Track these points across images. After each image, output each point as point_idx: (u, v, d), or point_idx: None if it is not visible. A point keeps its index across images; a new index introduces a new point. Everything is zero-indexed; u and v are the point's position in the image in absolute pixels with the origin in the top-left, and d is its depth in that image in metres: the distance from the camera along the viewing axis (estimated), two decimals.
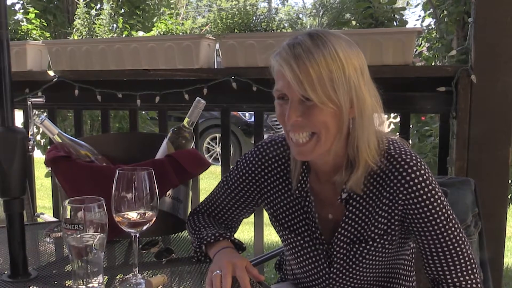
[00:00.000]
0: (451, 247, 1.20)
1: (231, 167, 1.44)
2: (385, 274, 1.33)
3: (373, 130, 1.18)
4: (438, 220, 1.18)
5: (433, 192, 1.17)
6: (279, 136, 1.37)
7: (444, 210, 1.18)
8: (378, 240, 1.24)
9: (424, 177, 1.17)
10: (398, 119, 2.55)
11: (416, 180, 1.16)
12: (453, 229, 1.20)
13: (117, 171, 1.14)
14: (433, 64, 2.76)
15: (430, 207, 1.17)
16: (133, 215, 1.14)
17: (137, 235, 1.16)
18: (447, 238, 1.19)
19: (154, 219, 1.16)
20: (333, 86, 1.09)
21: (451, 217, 1.20)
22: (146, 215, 1.14)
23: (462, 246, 1.21)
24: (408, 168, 1.17)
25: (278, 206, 1.36)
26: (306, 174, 1.30)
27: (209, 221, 1.44)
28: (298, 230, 1.33)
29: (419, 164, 1.18)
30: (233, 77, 2.38)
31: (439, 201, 1.18)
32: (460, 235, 1.21)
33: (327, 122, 1.13)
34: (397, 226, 1.23)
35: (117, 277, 1.26)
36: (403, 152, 1.20)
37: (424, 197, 1.17)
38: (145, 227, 1.16)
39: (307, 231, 1.32)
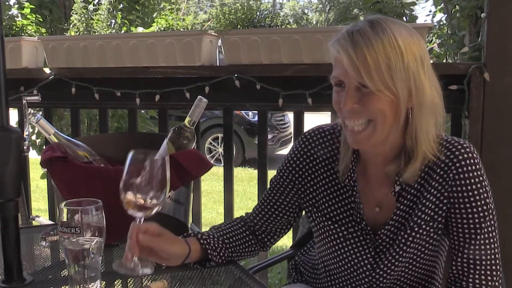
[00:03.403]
0: (487, 241, 1.20)
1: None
2: (424, 272, 1.32)
3: (433, 121, 1.18)
4: (481, 213, 1.19)
5: (484, 183, 1.19)
6: (327, 125, 1.38)
7: (490, 205, 1.20)
8: (424, 226, 1.24)
9: (478, 166, 1.19)
10: None
11: (473, 172, 1.18)
12: (491, 222, 1.21)
13: (130, 154, 1.13)
14: (444, 61, 2.76)
15: (477, 198, 1.18)
16: (141, 199, 1.13)
17: (142, 220, 1.15)
18: (484, 231, 1.20)
19: (159, 207, 1.16)
20: (390, 73, 1.10)
21: (492, 214, 1.21)
22: (154, 201, 1.14)
23: (496, 245, 1.21)
24: (467, 158, 1.18)
25: (321, 196, 1.35)
26: (355, 165, 1.30)
27: (231, 226, 1.43)
28: (342, 221, 1.32)
29: (475, 154, 1.20)
30: (236, 75, 2.36)
31: (486, 194, 1.19)
32: (495, 232, 1.21)
33: (384, 109, 1.13)
34: (444, 211, 1.23)
35: (115, 282, 1.26)
36: (461, 142, 1.22)
37: (477, 185, 1.18)
38: (153, 211, 1.15)
39: (351, 221, 1.31)
